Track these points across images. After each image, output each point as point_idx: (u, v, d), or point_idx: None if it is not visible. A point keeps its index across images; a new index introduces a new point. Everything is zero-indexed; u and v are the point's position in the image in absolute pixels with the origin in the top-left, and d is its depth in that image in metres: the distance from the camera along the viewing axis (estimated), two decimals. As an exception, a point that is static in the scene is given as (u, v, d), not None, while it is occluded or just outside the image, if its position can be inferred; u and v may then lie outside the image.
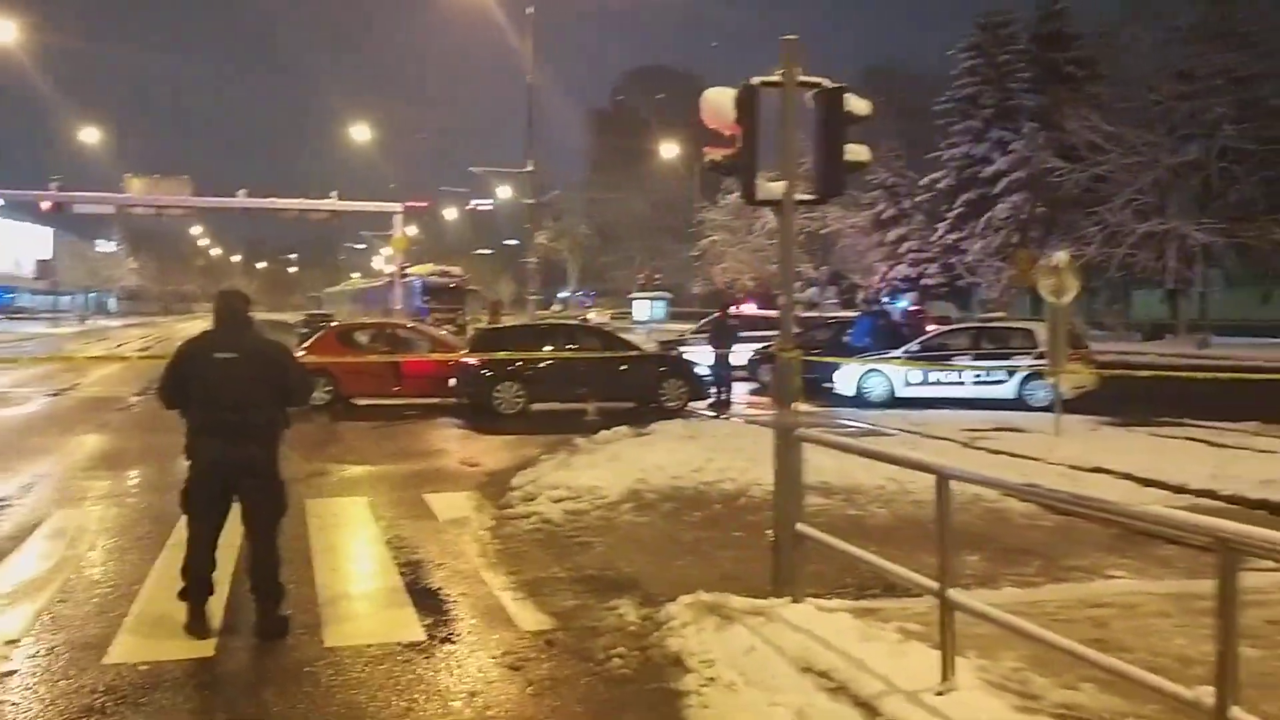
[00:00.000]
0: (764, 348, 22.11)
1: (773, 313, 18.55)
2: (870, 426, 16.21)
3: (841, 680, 4.87)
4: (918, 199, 59.05)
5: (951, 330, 22.14)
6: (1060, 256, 14.40)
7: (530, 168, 33.05)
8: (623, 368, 18.61)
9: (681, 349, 25.30)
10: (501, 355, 17.93)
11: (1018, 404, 18.69)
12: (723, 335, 20.62)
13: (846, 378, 20.13)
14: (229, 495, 5.98)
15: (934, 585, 4.71)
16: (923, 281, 56.93)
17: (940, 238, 55.84)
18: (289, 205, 45.45)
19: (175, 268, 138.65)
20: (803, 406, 9.95)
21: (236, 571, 6.59)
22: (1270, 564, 5.81)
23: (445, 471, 12.08)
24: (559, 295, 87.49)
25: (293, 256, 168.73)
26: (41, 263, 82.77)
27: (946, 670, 4.67)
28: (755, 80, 6.31)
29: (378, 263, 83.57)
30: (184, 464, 6.07)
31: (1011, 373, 19.03)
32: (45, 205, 44.06)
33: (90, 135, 52.78)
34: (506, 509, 9.53)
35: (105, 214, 51.81)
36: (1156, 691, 3.64)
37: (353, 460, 12.84)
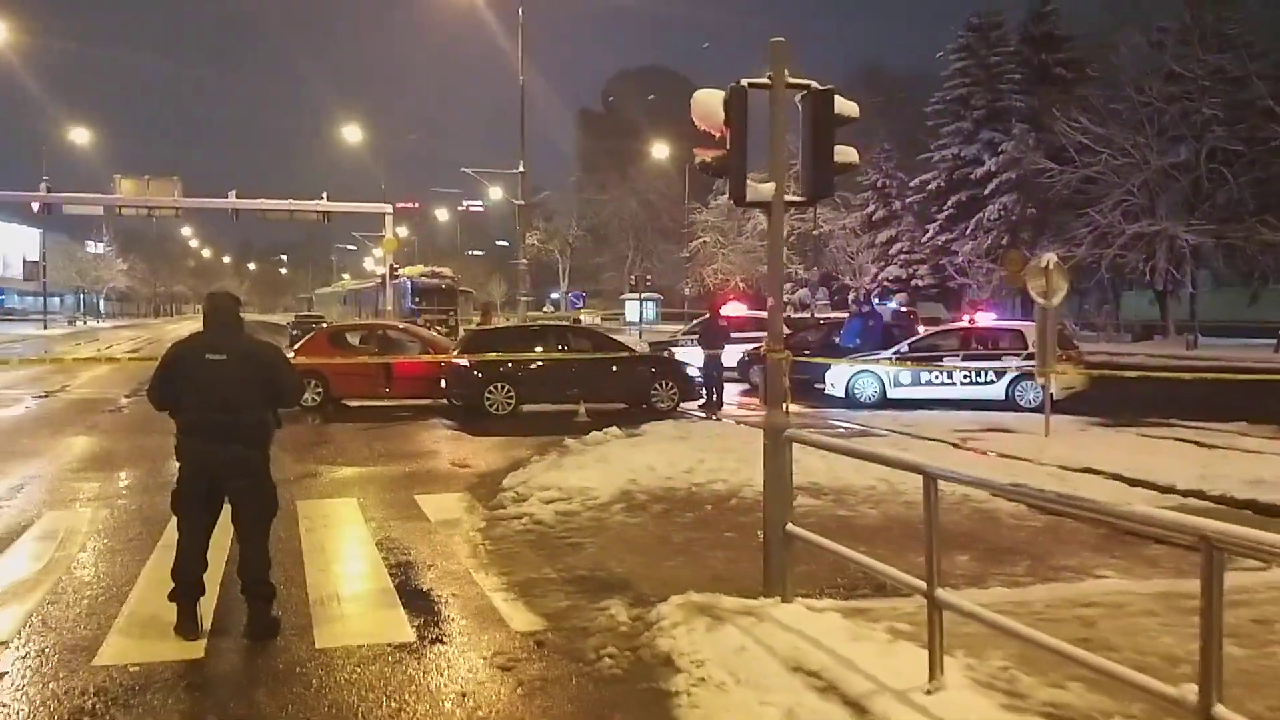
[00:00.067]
0: (754, 349, 22.13)
1: (763, 313, 18.62)
2: (861, 427, 16.25)
3: (831, 680, 4.89)
4: (908, 200, 59.26)
5: (941, 331, 22.20)
6: (1049, 257, 14.45)
7: (521, 169, 33.03)
8: (614, 369, 18.63)
9: (672, 350, 25.34)
10: (492, 356, 17.93)
11: (1008, 405, 18.75)
12: (713, 336, 20.65)
13: (837, 379, 20.17)
14: (219, 496, 5.98)
15: (922, 585, 4.73)
16: (913, 282, 57.11)
17: (931, 239, 56.05)
18: (279, 206, 45.35)
19: (165, 269, 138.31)
20: (793, 407, 9.98)
21: (227, 573, 6.60)
22: (1257, 564, 5.88)
23: (436, 473, 12.08)
24: (550, 296, 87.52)
25: (283, 258, 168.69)
26: (30, 264, 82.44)
27: (935, 669, 4.69)
28: (744, 82, 6.33)
29: (369, 264, 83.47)
30: (174, 465, 6.07)
31: (1001, 374, 19.09)
32: (35, 206, 43.91)
33: (80, 136, 52.74)
34: (497, 510, 9.53)
35: (95, 215, 51.68)
36: (1142, 690, 3.66)
37: (343, 461, 12.83)
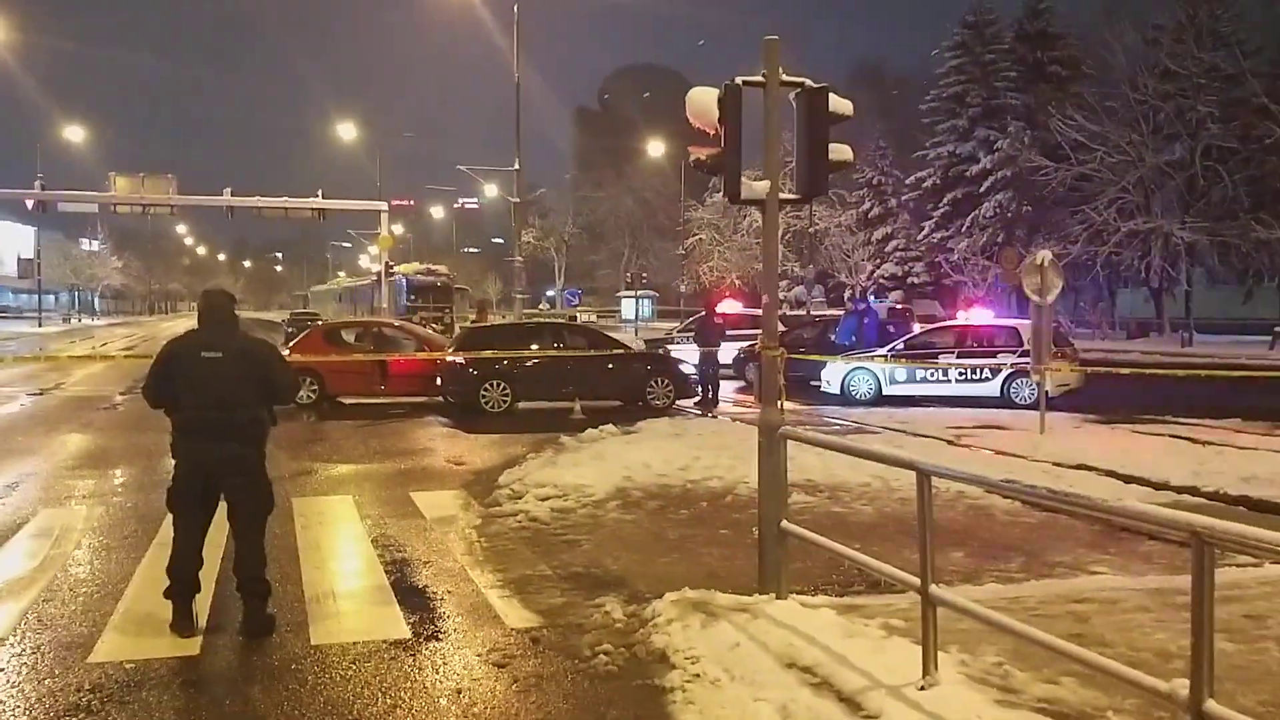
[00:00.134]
0: (749, 346, 22.16)
1: (759, 311, 18.60)
2: (856, 424, 16.27)
3: (825, 676, 4.91)
4: (904, 198, 59.29)
5: (937, 328, 22.23)
6: (1044, 255, 14.47)
7: (517, 166, 33.00)
8: (609, 366, 18.64)
9: (668, 347, 25.35)
10: (488, 354, 17.93)
11: (1003, 402, 18.78)
12: (709, 333, 20.67)
13: (832, 376, 20.19)
14: (215, 494, 5.98)
15: (916, 581, 4.74)
16: (909, 280, 57.15)
17: (926, 236, 56.08)
18: (274, 204, 45.25)
19: (160, 266, 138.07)
20: (789, 405, 9.98)
21: (222, 570, 6.60)
22: (1249, 559, 5.91)
23: (432, 470, 12.08)
24: (546, 294, 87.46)
25: (278, 255, 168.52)
26: (25, 261, 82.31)
27: (929, 665, 4.70)
28: (738, 80, 6.34)
29: (364, 261, 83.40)
30: (170, 463, 6.07)
31: (996, 371, 19.13)
32: (29, 204, 43.80)
33: (75, 134, 52.52)
34: (493, 507, 9.54)
35: (90, 213, 51.65)
36: (1135, 685, 3.68)
37: (339, 459, 12.83)
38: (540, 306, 78.35)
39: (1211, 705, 3.26)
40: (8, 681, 5.24)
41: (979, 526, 8.64)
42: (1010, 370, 18.91)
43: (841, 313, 29.65)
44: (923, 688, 4.64)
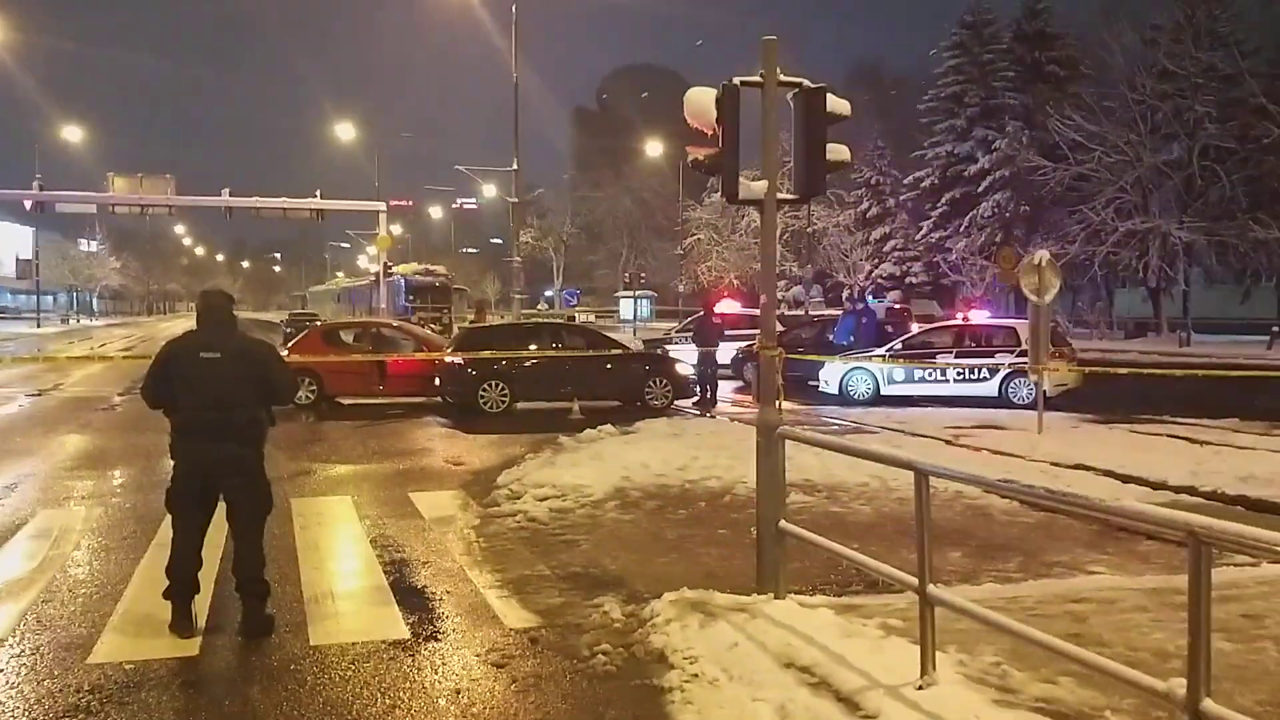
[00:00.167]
0: (748, 346, 22.17)
1: (757, 311, 18.60)
2: (854, 424, 16.28)
3: (823, 675, 4.92)
4: (902, 197, 59.32)
5: (935, 328, 22.24)
6: (1042, 255, 14.48)
7: (515, 166, 33.02)
8: (608, 366, 18.65)
9: (666, 347, 25.36)
10: (487, 354, 17.94)
11: (1001, 402, 18.79)
12: (707, 334, 20.67)
13: (830, 376, 20.20)
14: (214, 494, 5.99)
15: (914, 581, 4.75)
16: (907, 280, 57.17)
17: (924, 236, 56.10)
18: (272, 204, 45.22)
19: (158, 267, 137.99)
20: (787, 405, 9.98)
21: (221, 570, 6.61)
22: (1247, 559, 5.92)
23: (430, 470, 12.09)
24: (545, 294, 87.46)
25: (277, 256, 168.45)
26: (23, 262, 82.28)
27: (926, 665, 4.71)
28: (736, 80, 6.35)
29: (362, 262, 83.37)
30: (168, 463, 6.08)
31: (994, 371, 19.14)
32: (28, 204, 43.77)
33: (73, 134, 52.50)
34: (492, 507, 9.55)
35: (88, 213, 51.63)
36: (1132, 685, 3.68)
37: (337, 459, 12.83)
38: (539, 306, 78.38)
39: (1209, 704, 3.27)
40: (7, 682, 5.24)
41: (977, 526, 8.65)
42: (1008, 370, 18.92)
43: (839, 313, 29.67)
44: (921, 687, 4.65)
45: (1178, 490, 10.07)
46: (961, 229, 52.51)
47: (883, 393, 19.67)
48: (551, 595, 6.74)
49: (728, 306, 28.51)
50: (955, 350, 19.82)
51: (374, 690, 5.11)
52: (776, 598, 6.04)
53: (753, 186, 6.44)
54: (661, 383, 18.66)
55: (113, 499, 10.17)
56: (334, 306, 58.75)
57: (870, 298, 44.11)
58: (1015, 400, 18.67)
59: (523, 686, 5.18)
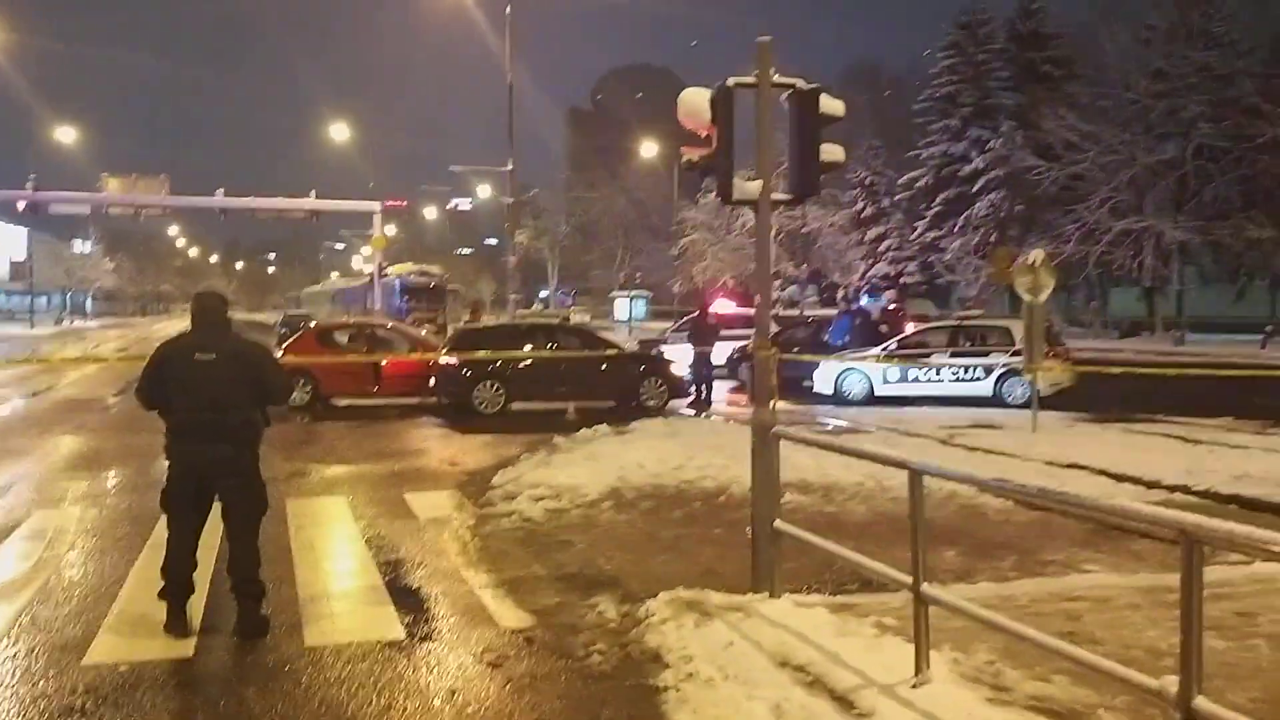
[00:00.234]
0: (743, 346, 22.18)
1: (752, 311, 18.64)
2: (849, 424, 16.30)
3: (818, 674, 4.93)
4: (897, 197, 59.38)
5: (929, 328, 22.26)
6: (1036, 254, 14.51)
7: (510, 167, 33.03)
8: (603, 367, 18.64)
9: (661, 348, 25.36)
10: (481, 355, 17.93)
11: (995, 401, 18.81)
12: (702, 334, 20.68)
13: (825, 376, 20.22)
14: (209, 495, 5.99)
15: (909, 580, 4.76)
16: (902, 280, 57.25)
17: (919, 236, 56.16)
18: (267, 205, 45.24)
19: (152, 268, 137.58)
20: (782, 405, 10.01)
21: (217, 571, 6.60)
22: (1240, 557, 5.94)
23: (425, 471, 12.09)
24: (540, 294, 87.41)
25: (271, 256, 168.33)
26: (16, 263, 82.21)
27: (921, 663, 4.73)
28: (730, 81, 6.36)
29: (357, 262, 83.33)
30: (163, 464, 6.08)
31: (989, 370, 19.16)
32: (21, 205, 43.73)
33: (67, 135, 52.36)
34: (487, 508, 9.55)
35: (82, 214, 51.55)
36: (1125, 682, 3.71)
37: (333, 460, 12.83)
38: (533, 306, 78.29)
39: (1201, 702, 3.28)
40: (2, 684, 5.24)
41: (971, 525, 8.66)
42: (1003, 370, 18.95)
43: (835, 313, 29.70)
44: (915, 686, 4.66)
45: (1172, 489, 10.08)
46: (956, 229, 52.60)
47: (877, 393, 19.68)
48: (547, 595, 6.74)
49: (723, 306, 28.53)
50: (950, 350, 19.84)
51: (369, 690, 5.11)
52: (772, 597, 6.06)
53: (747, 187, 6.45)
54: (657, 383, 18.66)
55: (107, 500, 10.17)
56: (328, 307, 58.71)
57: (866, 297, 44.19)
58: (1010, 400, 18.69)
59: (518, 686, 5.19)
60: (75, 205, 45.33)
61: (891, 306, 30.63)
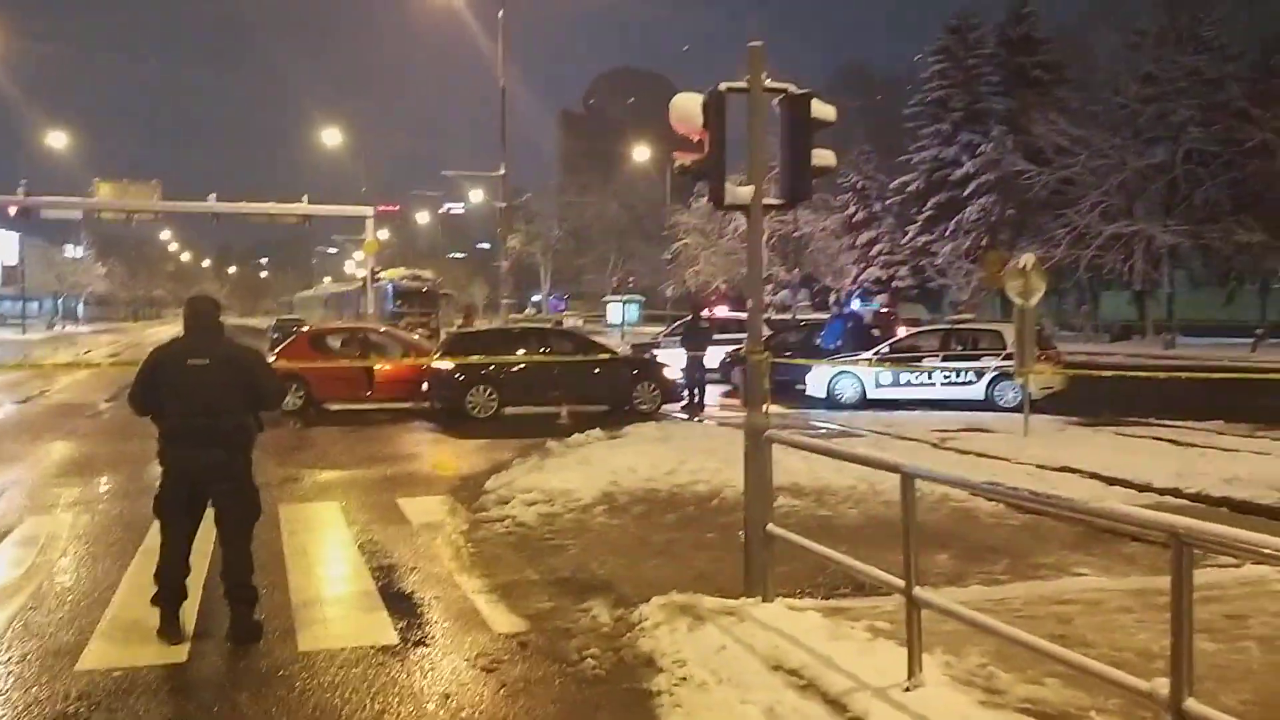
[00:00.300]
0: (736, 350, 22.21)
1: (745, 315, 18.59)
2: (841, 428, 16.32)
3: (811, 678, 4.94)
4: (888, 202, 59.46)
5: (921, 332, 22.31)
6: (1027, 258, 14.55)
7: (502, 171, 33.01)
8: (595, 371, 18.65)
9: (654, 352, 25.37)
10: (474, 359, 17.93)
11: (987, 405, 18.86)
12: (695, 338, 20.68)
13: (818, 380, 20.25)
14: (202, 501, 5.98)
15: (901, 584, 4.78)
16: (893, 284, 57.30)
17: (910, 240, 56.24)
18: (259, 209, 45.10)
19: (144, 273, 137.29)
20: (774, 408, 10.02)
21: (210, 577, 6.60)
22: (1230, 560, 5.96)
23: (418, 476, 12.08)
24: (532, 299, 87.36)
25: (263, 261, 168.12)
26: (7, 268, 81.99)
27: (913, 667, 4.74)
28: (722, 86, 6.38)
29: (349, 267, 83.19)
30: (155, 470, 6.07)
31: (980, 374, 19.20)
32: (12, 210, 43.58)
33: (58, 140, 52.23)
34: (480, 512, 9.55)
35: (73, 219, 51.28)
36: (1117, 685, 3.72)
37: (325, 465, 12.81)
38: (526, 311, 78.28)
39: (1191, 704, 3.30)
40: (-6, 690, 5.23)
41: (963, 529, 8.69)
42: (994, 373, 19.00)
43: (827, 316, 29.74)
44: (908, 689, 4.68)
45: (1163, 492, 10.12)
46: (947, 233, 52.68)
47: (870, 396, 19.72)
48: (540, 600, 6.75)
49: (717, 311, 28.51)
50: (942, 354, 19.89)
51: (363, 695, 5.11)
52: (765, 601, 6.07)
53: (739, 192, 6.47)
54: (649, 387, 18.68)
55: (100, 505, 10.14)
56: (321, 312, 58.55)
57: (858, 301, 44.23)
58: (1001, 403, 18.75)
59: (512, 691, 5.19)
60: (67, 210, 45.18)
61: (883, 310, 30.70)
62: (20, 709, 4.99)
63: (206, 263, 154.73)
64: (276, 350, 20.63)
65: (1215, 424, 15.62)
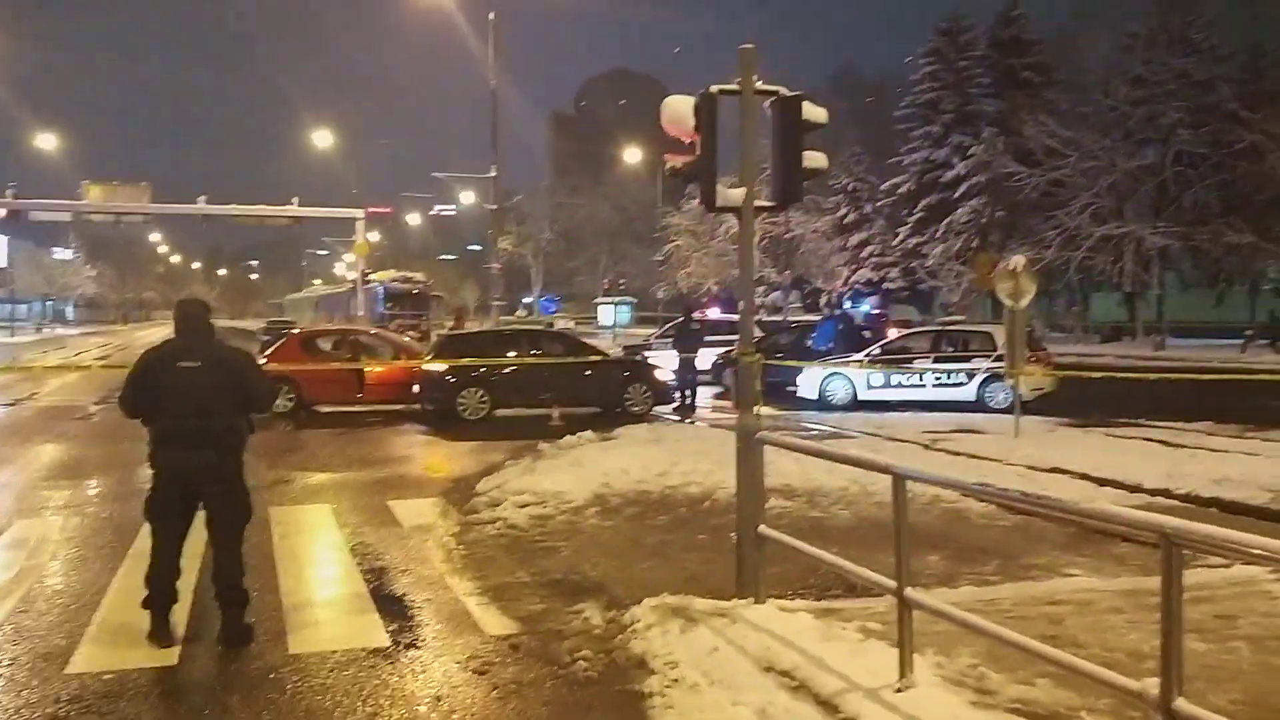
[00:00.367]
0: (727, 352, 22.23)
1: (737, 317, 18.66)
2: (833, 429, 16.34)
3: (802, 679, 4.94)
4: (879, 203, 59.50)
5: (912, 333, 22.35)
6: (1017, 260, 14.59)
7: (494, 173, 32.98)
8: (587, 373, 18.64)
9: (646, 354, 25.38)
10: (465, 361, 17.91)
11: (978, 406, 18.90)
12: (687, 340, 20.69)
13: (809, 381, 20.27)
14: (193, 503, 5.97)
15: (892, 584, 4.79)
16: (884, 285, 57.37)
17: (901, 242, 56.28)
18: (249, 211, 45.09)
19: (133, 275, 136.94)
20: (766, 410, 10.02)
21: (200, 579, 6.58)
22: (1220, 560, 5.99)
23: (409, 478, 12.07)
24: (523, 300, 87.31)
25: (254, 263, 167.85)
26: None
27: (905, 667, 4.75)
28: (714, 88, 6.39)
29: (340, 269, 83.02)
30: (145, 472, 6.06)
31: (971, 375, 19.24)
32: (1, 212, 43.46)
33: (47, 142, 52.07)
34: (471, 515, 9.53)
35: (62, 221, 51.19)
36: (1107, 685, 3.73)
37: (316, 467, 12.79)
38: (516, 313, 78.17)
39: (1181, 703, 3.31)
40: (-16, 693, 5.21)
41: (954, 530, 8.70)
42: (985, 375, 19.04)
43: (818, 318, 29.78)
44: (899, 690, 4.68)
45: (1153, 493, 10.14)
46: (938, 235, 52.73)
47: (861, 398, 19.75)
48: (532, 602, 6.74)
49: (710, 313, 28.53)
50: (933, 355, 19.92)
51: (354, 698, 5.11)
52: (756, 602, 6.07)
53: (730, 194, 6.48)
54: (641, 389, 18.68)
55: (89, 508, 10.11)
56: (312, 314, 58.50)
57: (849, 302, 44.31)
58: (992, 404, 18.79)
59: (504, 693, 5.19)
60: (56, 213, 45.09)
61: (875, 312, 30.78)
62: (11, 712, 4.97)
63: (196, 265, 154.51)
64: (267, 352, 20.60)
65: (1205, 425, 15.67)
